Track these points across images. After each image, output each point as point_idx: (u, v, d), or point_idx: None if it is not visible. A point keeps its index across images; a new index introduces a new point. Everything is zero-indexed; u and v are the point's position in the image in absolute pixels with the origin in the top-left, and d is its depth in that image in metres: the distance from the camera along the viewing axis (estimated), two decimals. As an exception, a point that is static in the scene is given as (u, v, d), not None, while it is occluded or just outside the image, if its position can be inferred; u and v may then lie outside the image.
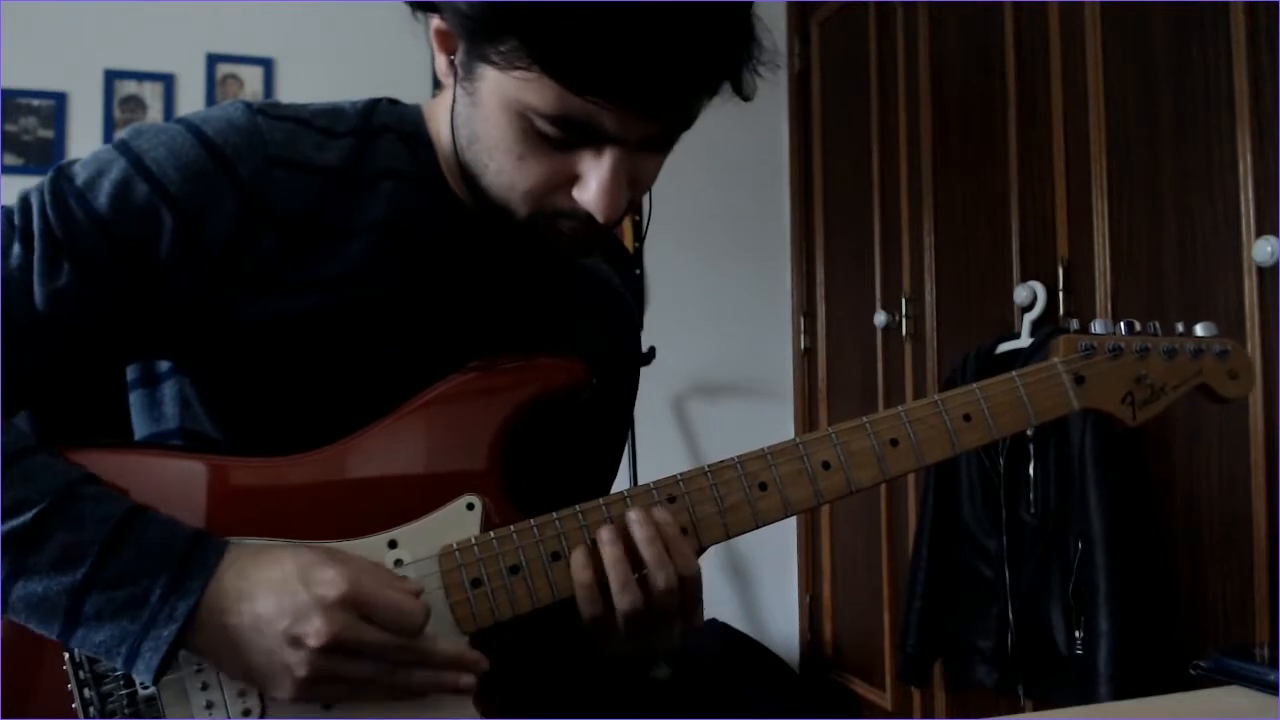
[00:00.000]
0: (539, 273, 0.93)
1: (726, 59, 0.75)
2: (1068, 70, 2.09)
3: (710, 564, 3.01)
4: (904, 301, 2.62)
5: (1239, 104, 1.70)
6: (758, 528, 0.82)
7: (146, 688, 0.74)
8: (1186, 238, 1.82)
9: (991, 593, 2.07)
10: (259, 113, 0.82)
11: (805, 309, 3.16)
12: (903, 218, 2.65)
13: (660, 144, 0.79)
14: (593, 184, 0.76)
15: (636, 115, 0.74)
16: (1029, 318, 2.11)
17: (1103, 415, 0.91)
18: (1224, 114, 1.74)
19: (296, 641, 0.70)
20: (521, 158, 0.77)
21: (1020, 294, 2.15)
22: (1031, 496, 2.00)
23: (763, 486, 0.82)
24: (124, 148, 0.78)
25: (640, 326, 1.07)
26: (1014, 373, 0.88)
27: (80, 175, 0.78)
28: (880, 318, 2.71)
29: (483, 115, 0.77)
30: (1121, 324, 0.93)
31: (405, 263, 0.85)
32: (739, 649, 2.77)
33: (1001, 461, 2.04)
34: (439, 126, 0.87)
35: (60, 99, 2.68)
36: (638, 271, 3.07)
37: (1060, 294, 2.08)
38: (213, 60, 2.78)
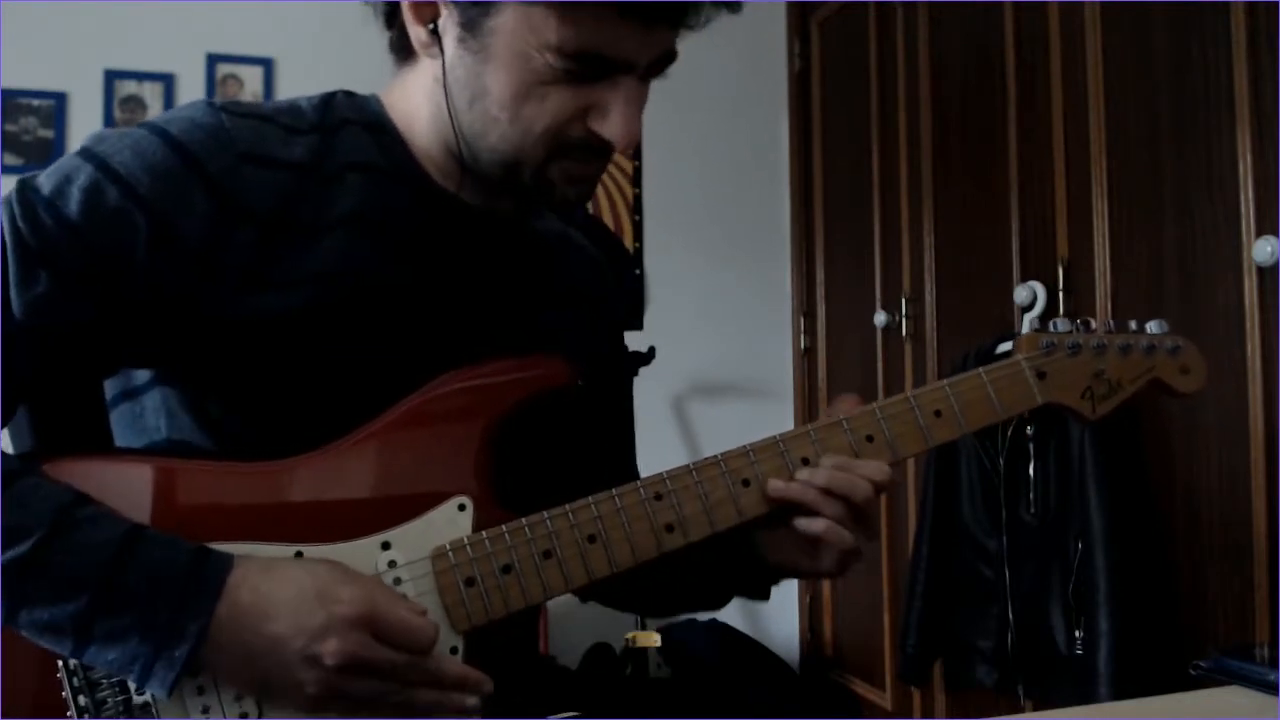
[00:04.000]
0: (526, 257, 0.93)
1: None
2: (1068, 70, 2.10)
3: (710, 564, 3.01)
4: (904, 301, 2.62)
5: (1239, 104, 1.70)
6: (741, 522, 0.85)
7: (142, 693, 0.74)
8: (1186, 238, 1.82)
9: (991, 593, 2.07)
10: (222, 110, 0.82)
11: (805, 309, 3.16)
12: (903, 218, 2.65)
13: (659, 68, 0.83)
14: (614, 112, 0.80)
15: (653, 32, 0.78)
16: (1029, 318, 2.11)
17: (1064, 409, 0.95)
18: (1224, 114, 1.74)
19: (313, 661, 0.70)
20: (543, 99, 0.79)
21: (1020, 294, 2.15)
22: (1031, 496, 2.00)
23: (745, 483, 0.85)
24: (89, 154, 0.78)
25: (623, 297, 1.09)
26: (980, 369, 0.92)
27: (47, 185, 0.77)
28: (880, 318, 2.71)
29: (495, 68, 0.79)
30: (1078, 322, 0.97)
31: (386, 256, 0.85)
32: (739, 649, 2.77)
33: (1001, 461, 2.04)
34: (406, 109, 0.88)
35: (60, 99, 2.67)
36: (638, 271, 3.07)
37: (1060, 294, 2.08)
38: (213, 60, 2.78)
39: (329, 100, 0.88)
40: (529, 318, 0.93)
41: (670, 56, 0.82)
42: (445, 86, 0.82)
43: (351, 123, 0.87)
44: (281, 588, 0.72)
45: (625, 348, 1.08)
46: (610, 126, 0.80)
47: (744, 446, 0.86)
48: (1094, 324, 0.96)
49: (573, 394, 0.86)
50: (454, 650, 0.78)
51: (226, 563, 0.73)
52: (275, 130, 0.83)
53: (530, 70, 0.78)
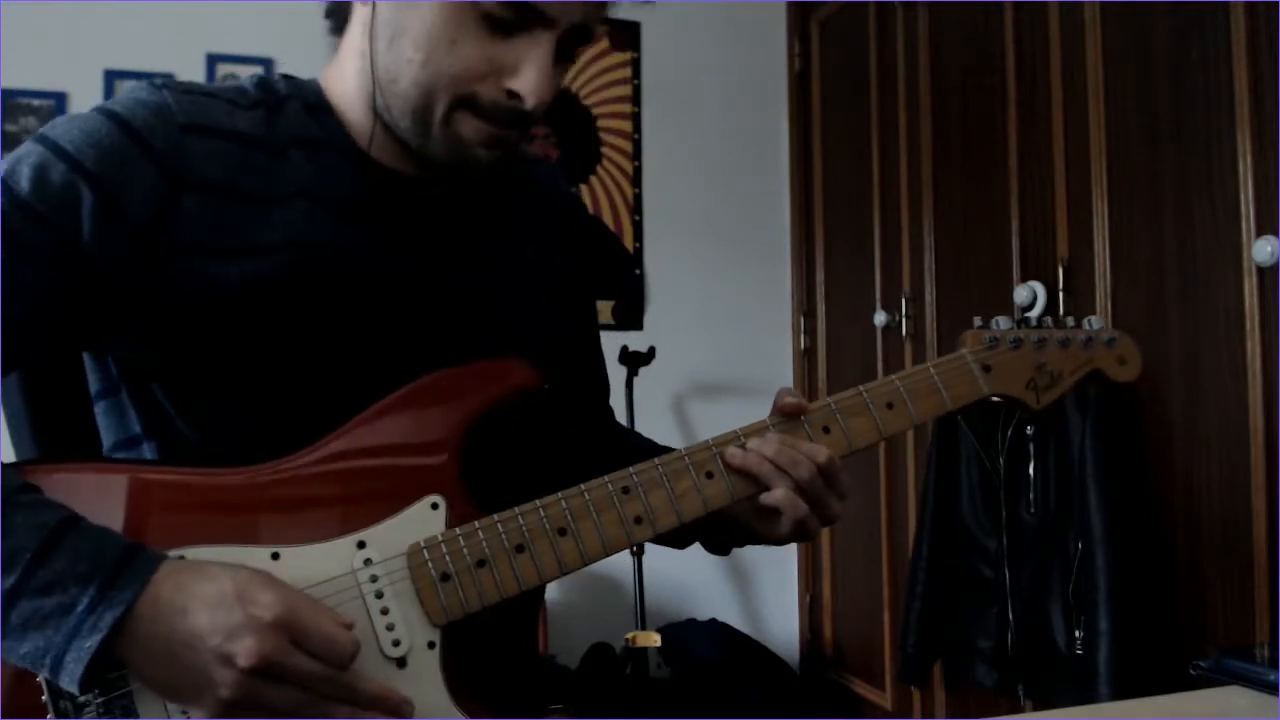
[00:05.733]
0: (480, 217, 0.94)
1: None
2: (1068, 70, 2.10)
3: (710, 564, 3.01)
4: (904, 301, 2.62)
5: (1239, 104, 1.70)
6: (707, 513, 0.89)
7: (125, 696, 0.73)
8: (1186, 238, 1.82)
9: (991, 593, 2.07)
10: (164, 88, 0.84)
11: (805, 309, 3.16)
12: (903, 218, 2.65)
13: (577, 41, 0.84)
14: (528, 69, 0.80)
15: None
16: (1029, 318, 2.10)
17: (1010, 400, 1.00)
18: (1224, 114, 1.74)
19: (226, 660, 0.69)
20: (454, 41, 0.80)
21: (1020, 294, 2.15)
22: (1031, 496, 2.00)
23: (709, 475, 0.89)
24: (41, 138, 0.81)
25: (585, 218, 1.10)
26: (929, 363, 0.99)
27: (1, 169, 0.80)
28: (880, 318, 2.71)
29: (418, 7, 0.80)
30: (1019, 319, 1.04)
31: (337, 229, 0.86)
32: (739, 649, 2.77)
33: (1001, 461, 2.05)
34: (340, 82, 0.89)
35: (60, 99, 2.68)
36: (638, 271, 3.07)
37: (1060, 294, 2.08)
38: (213, 60, 2.78)
39: (268, 79, 0.91)
40: (491, 298, 0.93)
41: (586, 31, 0.83)
42: (370, 29, 0.83)
43: (293, 98, 0.89)
44: (202, 586, 0.71)
45: (592, 303, 1.12)
46: (522, 81, 0.81)
47: (707, 441, 0.90)
48: (1034, 320, 1.04)
49: (539, 395, 0.88)
50: (431, 645, 0.79)
51: (155, 559, 0.73)
52: (219, 104, 0.86)
53: (453, 13, 0.79)
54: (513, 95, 0.82)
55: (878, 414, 0.94)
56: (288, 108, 0.88)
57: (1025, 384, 1.00)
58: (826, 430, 0.92)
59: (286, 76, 0.92)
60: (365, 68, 0.85)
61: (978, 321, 1.02)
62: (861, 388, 0.94)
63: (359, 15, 0.86)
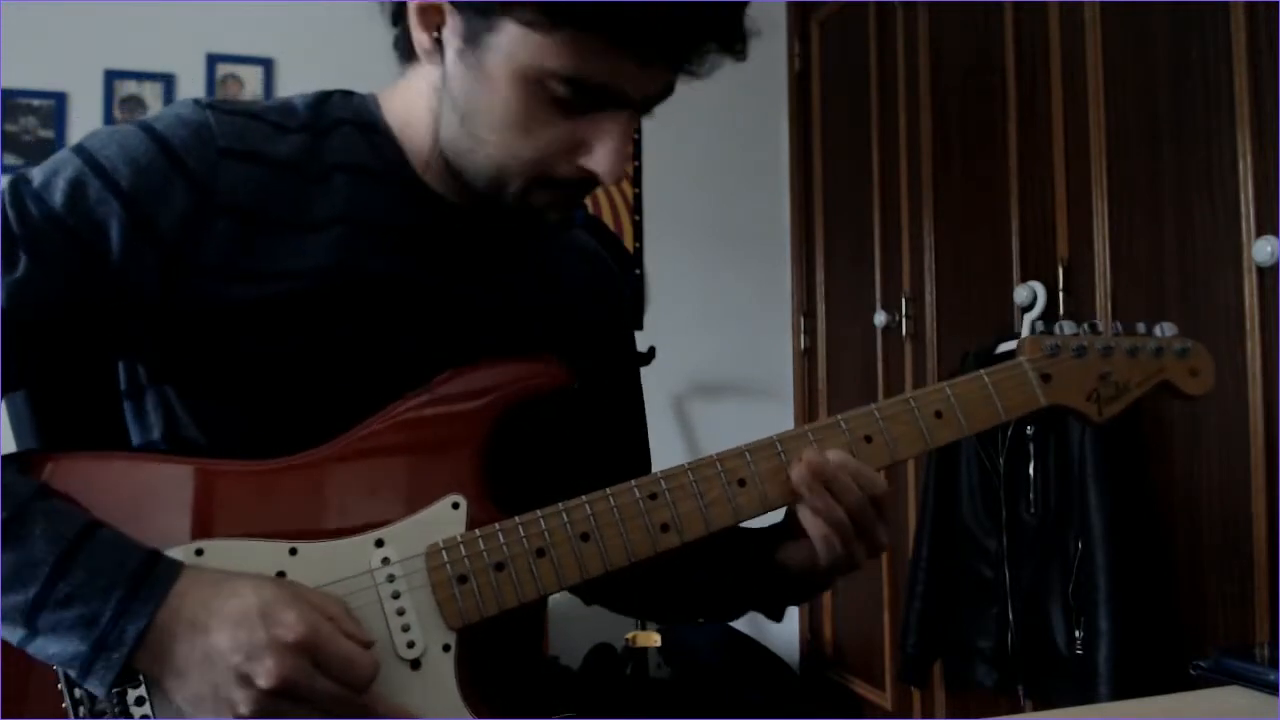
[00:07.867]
0: (520, 259, 0.93)
1: (733, 14, 0.78)
2: (1068, 70, 2.10)
3: (710, 564, 3.01)
4: (904, 301, 2.62)
5: (1239, 104, 1.71)
6: (738, 522, 0.84)
7: (137, 687, 0.74)
8: (1186, 238, 1.82)
9: (991, 593, 2.07)
10: (208, 108, 0.83)
11: (805, 309, 3.16)
12: (903, 218, 2.65)
13: (654, 103, 0.82)
14: (603, 148, 0.78)
15: (651, 70, 0.76)
16: (1029, 318, 2.11)
17: (1070, 412, 0.93)
18: (1224, 114, 1.74)
19: (245, 679, 0.69)
20: (528, 130, 0.78)
21: (1020, 294, 2.15)
22: (1031, 496, 2.00)
23: (741, 483, 0.84)
24: (78, 149, 0.81)
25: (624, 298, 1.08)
26: (983, 371, 0.91)
27: (37, 178, 0.79)
28: (880, 318, 2.71)
29: (489, 88, 0.78)
30: (1085, 325, 0.95)
31: (373, 255, 0.85)
32: (739, 649, 2.77)
33: (1001, 461, 2.05)
34: (404, 111, 0.88)
35: (60, 99, 2.68)
36: (638, 271, 3.07)
37: (1060, 294, 2.08)
38: (213, 60, 2.78)
39: (324, 100, 0.89)
40: (520, 320, 0.92)
41: (668, 93, 0.81)
42: (442, 96, 0.82)
43: (345, 123, 0.88)
44: (225, 602, 0.71)
45: (634, 351, 1.08)
46: (598, 162, 0.79)
47: (740, 447, 0.85)
48: (1101, 326, 0.95)
49: (569, 395, 0.86)
50: (446, 648, 0.78)
51: (174, 570, 0.72)
52: (262, 126, 0.85)
53: (524, 98, 0.77)
54: (587, 171, 0.80)
55: (924, 423, 0.87)
56: (338, 131, 0.87)
57: (1087, 395, 0.92)
58: (868, 439, 0.86)
59: (346, 94, 0.91)
60: (433, 123, 0.84)
61: (1026, 331, 0.94)
62: (909, 394, 0.88)
63: (430, 70, 0.83)
